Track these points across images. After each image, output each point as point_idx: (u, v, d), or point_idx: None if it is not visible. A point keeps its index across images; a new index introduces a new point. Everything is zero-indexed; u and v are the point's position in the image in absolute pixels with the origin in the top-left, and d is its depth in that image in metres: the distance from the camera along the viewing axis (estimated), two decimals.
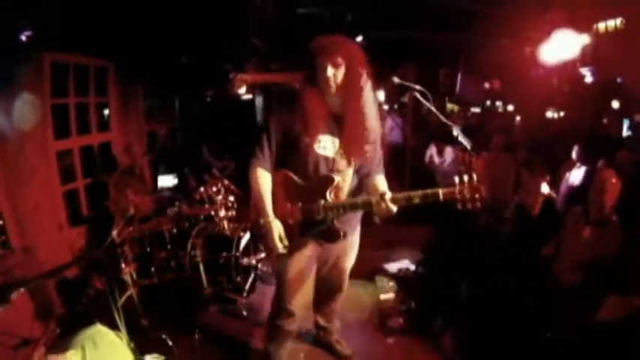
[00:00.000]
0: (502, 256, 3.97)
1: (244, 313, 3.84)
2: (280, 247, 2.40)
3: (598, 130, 7.82)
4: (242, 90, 7.97)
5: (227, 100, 8.03)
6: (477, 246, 4.31)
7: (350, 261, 2.86)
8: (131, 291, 3.61)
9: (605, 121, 8.27)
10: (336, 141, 2.43)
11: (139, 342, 2.97)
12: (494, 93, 9.73)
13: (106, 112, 5.46)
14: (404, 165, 7.14)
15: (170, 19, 4.36)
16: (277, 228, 2.40)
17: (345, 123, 2.39)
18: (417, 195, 2.18)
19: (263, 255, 4.22)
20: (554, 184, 4.84)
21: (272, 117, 2.48)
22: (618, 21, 4.86)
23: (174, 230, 4.24)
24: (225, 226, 4.31)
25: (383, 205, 2.21)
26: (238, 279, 3.97)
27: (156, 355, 2.93)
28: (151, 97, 6.53)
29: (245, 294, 3.98)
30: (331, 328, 3.22)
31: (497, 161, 5.33)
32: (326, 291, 3.01)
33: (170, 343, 3.29)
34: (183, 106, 7.27)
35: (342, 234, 2.44)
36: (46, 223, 4.02)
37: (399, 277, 4.40)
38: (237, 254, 3.95)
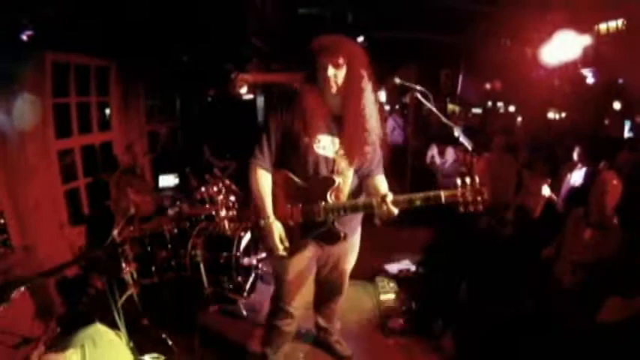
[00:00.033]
0: (503, 258, 3.96)
1: (244, 313, 3.84)
2: (281, 249, 2.39)
3: (599, 131, 7.82)
4: (243, 90, 7.98)
5: (228, 100, 8.03)
6: (477, 247, 4.31)
7: (350, 262, 2.84)
8: (131, 290, 3.61)
9: (606, 122, 8.27)
10: (336, 141, 2.41)
11: (140, 341, 2.97)
12: (495, 94, 9.75)
13: (107, 111, 5.47)
14: (405, 165, 7.13)
15: (171, 19, 4.36)
16: (278, 229, 2.39)
17: (345, 124, 2.37)
18: (418, 197, 2.16)
19: (264, 255, 4.22)
20: (555, 185, 4.83)
21: (272, 117, 2.45)
22: (619, 22, 4.87)
23: (175, 230, 4.24)
24: (226, 225, 4.29)
25: (384, 207, 2.19)
26: (239, 279, 3.96)
27: (155, 355, 2.93)
28: (153, 96, 6.54)
29: (245, 294, 3.97)
30: (331, 329, 3.22)
31: (498, 162, 5.32)
32: (326, 292, 3.01)
33: (170, 342, 3.29)
34: (184, 105, 7.27)
35: (342, 235, 2.43)
36: (46, 222, 4.02)
37: (400, 278, 4.39)
38: (238, 254, 3.94)
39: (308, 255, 2.58)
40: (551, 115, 9.47)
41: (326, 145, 2.40)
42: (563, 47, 4.94)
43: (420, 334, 3.50)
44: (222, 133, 6.84)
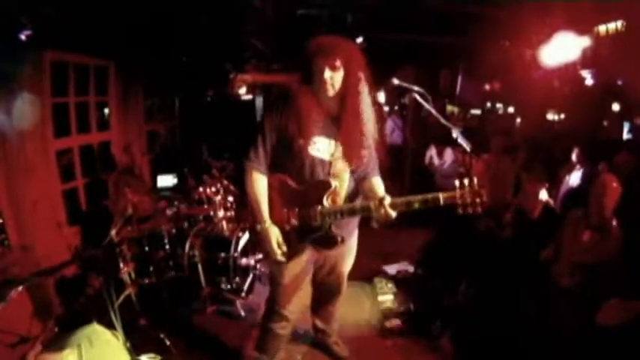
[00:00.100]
0: (501, 259, 3.96)
1: (242, 313, 3.84)
2: (278, 254, 2.37)
3: (598, 133, 7.82)
4: (242, 90, 8.00)
5: (227, 101, 8.05)
6: (476, 249, 4.30)
7: (348, 265, 2.82)
8: (129, 290, 3.60)
9: (605, 123, 8.27)
10: (333, 143, 2.38)
11: (137, 341, 2.97)
12: (494, 95, 9.75)
13: (106, 111, 5.47)
14: (404, 166, 7.14)
15: (171, 19, 4.36)
16: (275, 234, 2.37)
17: (342, 126, 2.34)
18: (416, 200, 2.15)
19: (261, 256, 4.22)
20: (554, 186, 4.83)
21: (267, 118, 2.41)
22: (619, 23, 4.86)
23: (173, 230, 4.24)
24: (224, 226, 4.30)
25: (382, 210, 2.16)
26: (237, 279, 3.96)
27: (152, 355, 2.92)
28: (151, 96, 6.55)
29: (243, 294, 3.97)
30: (329, 330, 3.20)
31: (497, 163, 5.32)
32: (324, 295, 3.00)
33: (168, 342, 3.28)
34: (183, 105, 7.28)
35: (339, 240, 2.40)
36: (44, 221, 4.02)
37: (398, 279, 4.39)
38: (236, 255, 3.94)
39: (305, 259, 2.55)
40: (550, 116, 9.48)
41: (322, 147, 2.37)
42: (562, 48, 4.95)
43: (419, 335, 3.50)
44: (220, 134, 6.84)
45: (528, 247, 3.71)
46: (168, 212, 4.35)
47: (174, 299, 4.02)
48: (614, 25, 4.93)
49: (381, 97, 9.30)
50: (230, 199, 4.56)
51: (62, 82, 4.51)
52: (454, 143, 2.76)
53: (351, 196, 2.50)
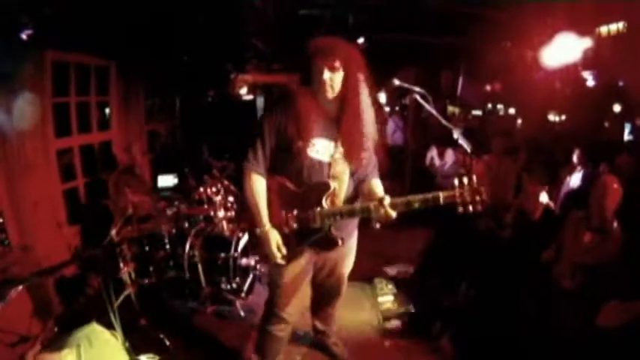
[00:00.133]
0: (502, 260, 3.96)
1: (242, 314, 3.83)
2: (278, 257, 2.35)
3: (599, 134, 7.82)
4: (243, 90, 8.00)
5: (228, 101, 8.05)
6: (476, 249, 4.30)
7: (347, 267, 2.80)
8: (129, 290, 3.60)
9: (606, 124, 8.27)
10: (332, 145, 2.37)
11: (137, 341, 2.97)
12: (495, 96, 9.75)
13: (107, 111, 5.47)
14: (404, 167, 7.13)
15: (172, 19, 4.36)
16: (275, 238, 2.35)
17: (341, 128, 2.33)
18: (416, 199, 2.14)
19: (261, 259, 4.21)
20: (555, 188, 4.83)
21: (266, 120, 2.38)
22: (620, 24, 4.86)
23: (173, 230, 4.24)
24: (224, 226, 4.30)
25: (382, 210, 2.16)
26: (237, 279, 3.96)
27: (151, 355, 2.92)
28: (152, 96, 6.55)
29: (243, 295, 3.97)
30: (329, 331, 3.20)
31: (498, 164, 5.32)
32: (323, 296, 2.98)
33: (167, 342, 3.28)
34: (184, 105, 7.28)
35: (339, 241, 2.38)
36: (45, 221, 4.02)
37: (398, 280, 4.39)
38: (236, 255, 3.94)
39: (304, 261, 2.53)
40: (551, 117, 9.47)
41: (321, 149, 2.35)
42: (563, 49, 4.94)
43: (419, 336, 3.50)
44: (221, 134, 6.84)
45: (529, 248, 3.70)
46: (169, 212, 4.35)
47: (174, 299, 4.02)
48: (616, 27, 4.93)
49: (382, 97, 9.32)
50: (230, 199, 4.57)
51: (63, 81, 4.51)
52: (455, 144, 2.76)
53: (351, 199, 2.48)
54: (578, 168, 4.93)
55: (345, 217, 2.34)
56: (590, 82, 6.37)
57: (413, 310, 3.78)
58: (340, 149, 2.37)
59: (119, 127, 5.50)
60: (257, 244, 2.47)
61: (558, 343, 2.84)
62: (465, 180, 2.07)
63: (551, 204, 4.26)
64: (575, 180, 4.87)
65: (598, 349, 2.62)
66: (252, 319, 3.71)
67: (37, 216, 3.86)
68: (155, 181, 5.49)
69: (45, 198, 4.07)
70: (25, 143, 3.84)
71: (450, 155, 6.78)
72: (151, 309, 3.68)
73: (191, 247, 3.98)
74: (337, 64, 2.21)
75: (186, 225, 4.35)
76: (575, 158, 4.97)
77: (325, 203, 2.32)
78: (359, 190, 2.50)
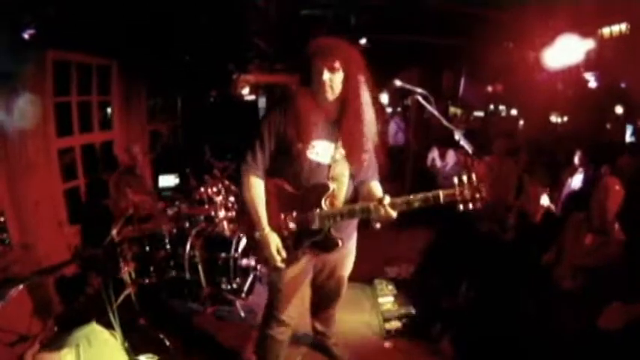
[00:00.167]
0: (503, 262, 3.95)
1: (242, 314, 3.83)
2: (278, 260, 2.33)
3: (601, 136, 7.80)
4: (245, 90, 8.00)
5: (230, 101, 8.04)
6: (478, 251, 4.29)
7: (347, 269, 2.79)
8: (129, 290, 3.60)
9: (608, 126, 8.26)
10: (332, 147, 2.35)
11: (136, 341, 2.96)
12: (497, 97, 9.74)
13: (109, 110, 5.48)
14: (405, 168, 7.13)
15: (174, 19, 4.36)
16: (274, 241, 2.32)
17: (342, 130, 2.31)
18: (417, 199, 2.12)
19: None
20: (556, 189, 4.82)
21: (266, 121, 2.35)
22: (623, 26, 4.84)
23: (174, 230, 4.24)
24: (225, 226, 4.30)
25: (382, 210, 2.14)
26: (237, 280, 3.96)
27: (151, 355, 2.91)
28: (154, 96, 6.56)
29: (243, 295, 3.97)
30: (328, 333, 3.19)
31: (499, 165, 5.30)
32: (323, 298, 2.96)
33: (167, 342, 3.28)
34: (185, 105, 7.28)
35: (339, 242, 2.37)
36: (46, 220, 4.03)
37: (398, 281, 4.37)
38: (237, 255, 3.94)
39: (304, 264, 2.51)
40: (553, 118, 9.46)
41: (321, 151, 2.33)
42: (565, 51, 4.92)
43: (419, 337, 3.49)
44: (223, 134, 6.84)
45: (530, 250, 3.70)
46: (169, 212, 4.36)
47: (174, 299, 4.02)
48: (618, 28, 4.91)
49: (384, 98, 9.31)
50: (231, 199, 4.57)
51: (65, 81, 4.52)
52: (456, 145, 2.76)
53: (350, 201, 2.45)
54: (580, 169, 4.91)
55: (345, 217, 2.32)
56: (592, 84, 6.35)
57: (413, 311, 3.77)
58: (340, 151, 2.36)
59: (121, 127, 5.50)
60: (256, 248, 2.44)
61: (559, 345, 2.83)
62: (465, 178, 2.06)
63: (552, 207, 4.25)
64: (576, 181, 4.86)
65: (599, 351, 2.61)
66: (253, 320, 3.71)
67: (37, 215, 3.87)
68: (156, 180, 5.50)
69: (46, 197, 4.08)
70: (26, 143, 3.85)
71: (451, 156, 6.78)
72: (151, 309, 3.68)
73: (192, 247, 3.98)
74: (337, 64, 2.18)
75: (187, 225, 4.35)
76: (576, 160, 4.96)
77: (324, 204, 2.30)
78: (358, 192, 2.48)
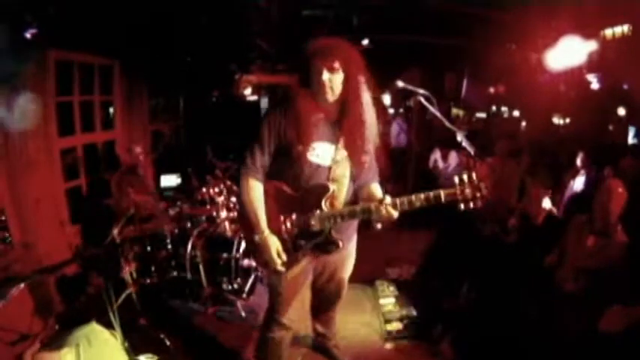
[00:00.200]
0: (505, 263, 3.94)
1: (243, 314, 3.83)
2: (278, 264, 2.31)
3: (603, 137, 7.77)
4: (247, 91, 8.00)
5: (232, 101, 8.05)
6: (479, 253, 4.28)
7: (347, 271, 2.77)
8: (130, 290, 3.60)
9: (610, 128, 8.23)
10: (332, 148, 2.33)
11: (137, 341, 2.96)
12: (499, 98, 9.72)
13: (111, 110, 5.48)
14: (408, 169, 7.12)
15: (176, 19, 4.36)
16: (274, 244, 2.30)
17: (342, 131, 2.30)
18: (418, 198, 2.11)
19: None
20: (558, 191, 4.80)
21: (265, 124, 2.31)
22: (625, 27, 4.84)
23: (176, 230, 4.24)
24: (227, 227, 4.30)
25: (383, 210, 2.13)
26: (238, 280, 3.96)
27: (150, 355, 2.91)
28: (156, 96, 6.57)
29: (245, 295, 3.97)
30: (329, 334, 3.17)
31: (501, 167, 5.29)
32: (323, 300, 2.93)
33: (168, 343, 3.28)
34: (187, 105, 7.28)
35: (339, 244, 2.35)
36: (47, 219, 4.03)
37: (400, 282, 4.37)
38: (238, 255, 3.94)
39: (304, 266, 2.48)
40: (555, 120, 9.43)
41: (321, 152, 2.30)
42: (568, 52, 4.91)
43: (420, 339, 3.48)
44: (225, 134, 6.84)
45: (532, 252, 3.68)
46: (171, 212, 4.36)
47: (175, 299, 4.02)
48: (621, 29, 4.91)
49: (386, 99, 9.31)
50: (233, 199, 4.56)
51: (67, 81, 4.53)
52: (459, 146, 2.76)
53: (350, 203, 2.42)
54: (582, 171, 4.89)
55: (345, 218, 2.30)
56: (595, 85, 6.34)
57: (414, 313, 3.77)
58: (341, 152, 2.34)
59: (123, 127, 5.51)
60: (255, 251, 2.42)
61: (561, 348, 2.82)
62: (465, 177, 2.06)
63: (554, 209, 4.24)
64: (578, 183, 4.84)
65: (601, 353, 2.60)
66: (254, 320, 3.70)
67: (39, 214, 3.87)
68: (158, 181, 5.50)
69: (47, 196, 4.09)
70: (28, 142, 3.86)
71: (453, 158, 6.76)
72: (152, 309, 3.68)
73: (193, 248, 3.98)
74: (337, 65, 2.16)
75: (189, 225, 4.36)
76: (579, 161, 4.94)
77: (325, 206, 2.29)
78: (359, 194, 2.46)
